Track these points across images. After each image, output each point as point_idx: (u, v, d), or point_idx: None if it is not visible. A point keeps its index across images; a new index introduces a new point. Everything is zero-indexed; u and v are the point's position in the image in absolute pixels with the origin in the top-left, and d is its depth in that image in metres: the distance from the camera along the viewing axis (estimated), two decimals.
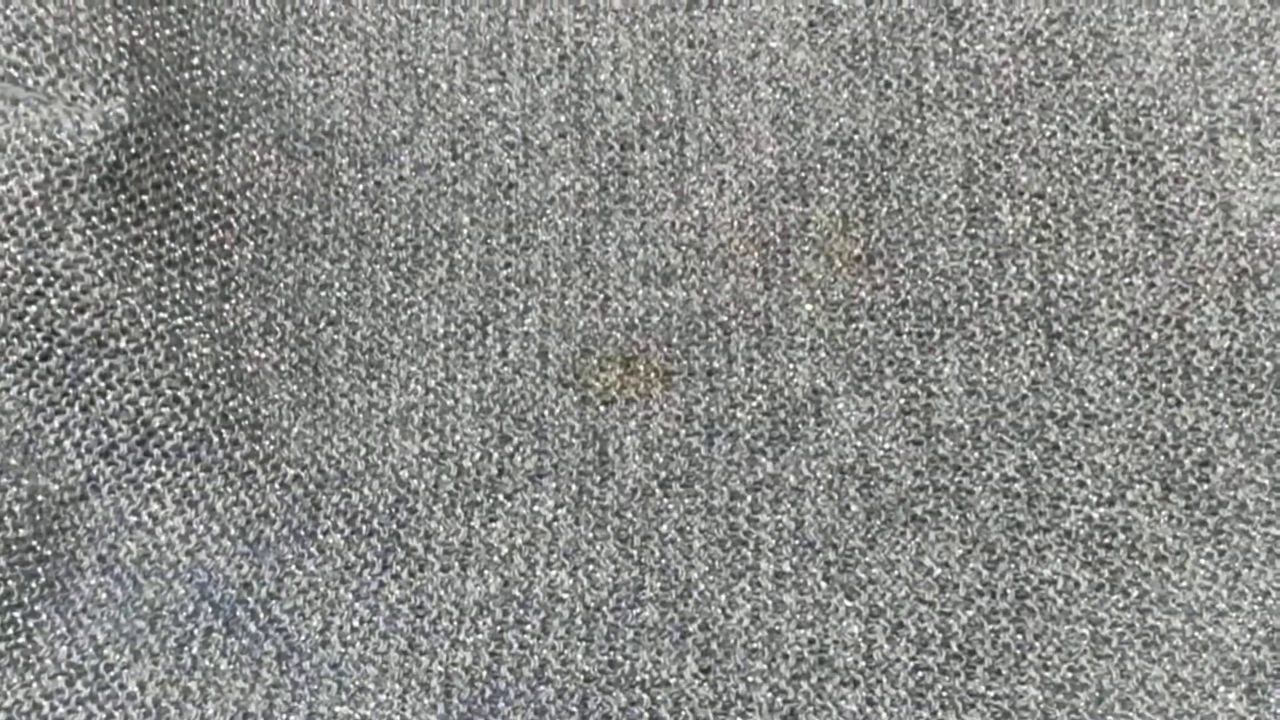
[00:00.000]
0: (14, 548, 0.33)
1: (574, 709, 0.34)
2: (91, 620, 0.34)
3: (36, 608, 0.34)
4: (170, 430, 0.35)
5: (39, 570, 0.34)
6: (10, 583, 0.33)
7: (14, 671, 0.33)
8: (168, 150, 0.36)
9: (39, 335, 0.34)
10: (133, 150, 0.34)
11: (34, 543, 0.34)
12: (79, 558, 0.35)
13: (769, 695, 0.34)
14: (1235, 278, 0.37)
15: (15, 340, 0.34)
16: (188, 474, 0.35)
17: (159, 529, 0.35)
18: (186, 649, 0.34)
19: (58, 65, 0.34)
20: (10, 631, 0.33)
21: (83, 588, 0.34)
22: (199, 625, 0.34)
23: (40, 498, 0.34)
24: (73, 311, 0.34)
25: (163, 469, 0.35)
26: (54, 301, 0.33)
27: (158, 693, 0.33)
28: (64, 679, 0.34)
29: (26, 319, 0.33)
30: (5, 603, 0.33)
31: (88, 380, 0.34)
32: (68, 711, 0.33)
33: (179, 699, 0.33)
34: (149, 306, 0.35)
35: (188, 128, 0.36)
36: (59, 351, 0.34)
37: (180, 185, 0.36)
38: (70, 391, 0.34)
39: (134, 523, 0.35)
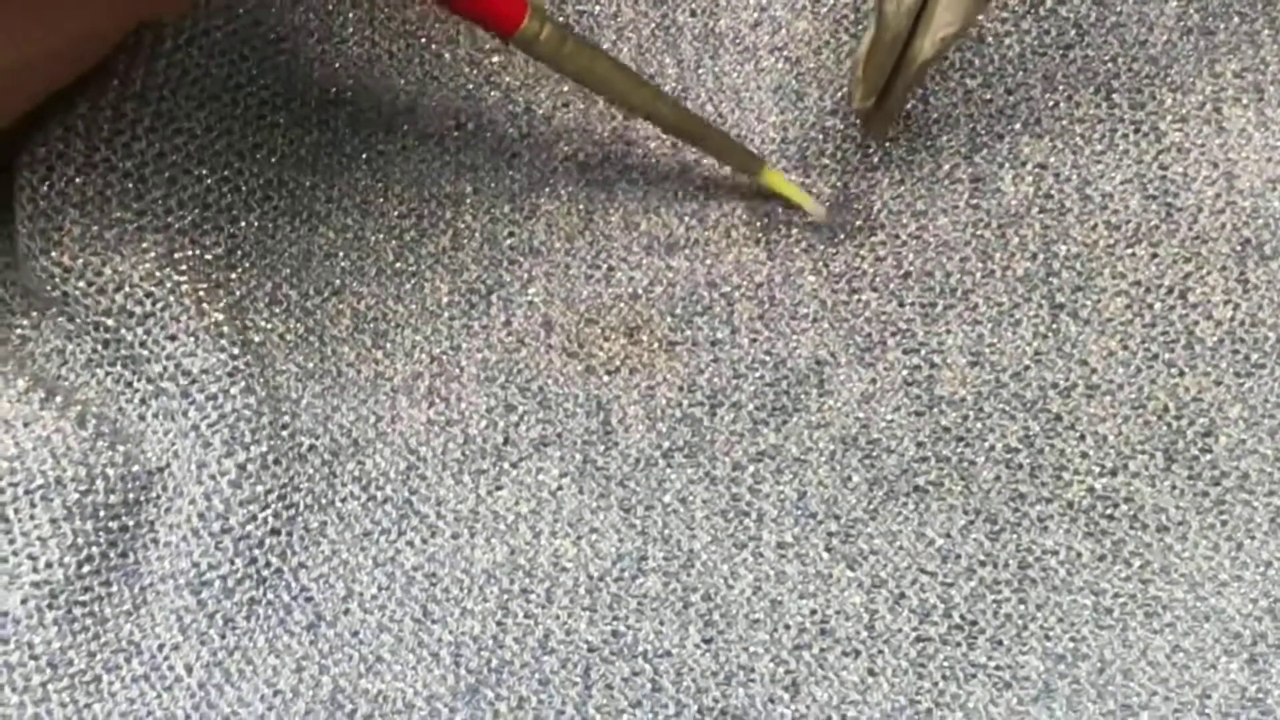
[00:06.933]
0: (101, 514, 0.33)
1: (577, 679, 0.34)
2: (154, 597, 0.34)
3: (111, 577, 0.34)
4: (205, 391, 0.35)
5: (119, 540, 0.34)
6: (94, 549, 0.33)
7: (84, 638, 0.33)
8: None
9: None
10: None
11: (120, 510, 0.34)
12: (156, 530, 0.35)
13: (771, 665, 0.34)
14: (1238, 248, 0.37)
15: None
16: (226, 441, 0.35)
17: (215, 496, 0.35)
18: (231, 628, 0.34)
19: None
20: (87, 598, 0.33)
21: (152, 561, 0.34)
22: (244, 594, 0.34)
23: (135, 467, 0.34)
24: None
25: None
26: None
27: (203, 675, 0.34)
28: (123, 655, 0.34)
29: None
30: (85, 568, 0.33)
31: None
32: (122, 687, 0.33)
33: (220, 681, 0.34)
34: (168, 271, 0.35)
35: (196, 89, 0.36)
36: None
37: (192, 146, 0.36)
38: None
39: (191, 486, 0.35)
